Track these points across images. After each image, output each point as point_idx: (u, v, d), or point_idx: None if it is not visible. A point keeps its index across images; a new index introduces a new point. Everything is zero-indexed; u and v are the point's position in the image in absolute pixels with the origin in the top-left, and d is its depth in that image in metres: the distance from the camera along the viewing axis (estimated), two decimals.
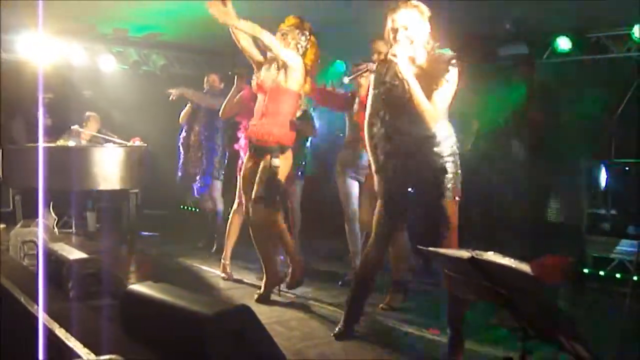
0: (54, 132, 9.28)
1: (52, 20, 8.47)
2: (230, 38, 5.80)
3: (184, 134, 8.68)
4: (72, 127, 9.13)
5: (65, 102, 10.25)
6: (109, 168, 7.92)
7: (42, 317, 4.47)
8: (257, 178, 5.67)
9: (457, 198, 4.26)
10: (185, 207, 11.05)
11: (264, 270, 5.90)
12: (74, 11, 8.48)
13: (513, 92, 9.01)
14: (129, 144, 8.37)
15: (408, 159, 4.32)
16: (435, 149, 4.23)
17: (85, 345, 3.87)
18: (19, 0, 7.16)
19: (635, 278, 6.40)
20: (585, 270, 7.10)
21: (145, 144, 8.44)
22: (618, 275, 6.85)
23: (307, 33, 5.71)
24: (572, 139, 8.58)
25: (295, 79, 5.61)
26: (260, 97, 5.78)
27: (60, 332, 4.17)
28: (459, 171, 4.29)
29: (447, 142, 4.25)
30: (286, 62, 5.52)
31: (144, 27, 9.83)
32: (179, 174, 8.69)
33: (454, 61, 4.17)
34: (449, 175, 4.22)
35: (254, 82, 5.89)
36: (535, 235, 8.27)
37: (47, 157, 7.47)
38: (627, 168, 7.33)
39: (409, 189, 4.37)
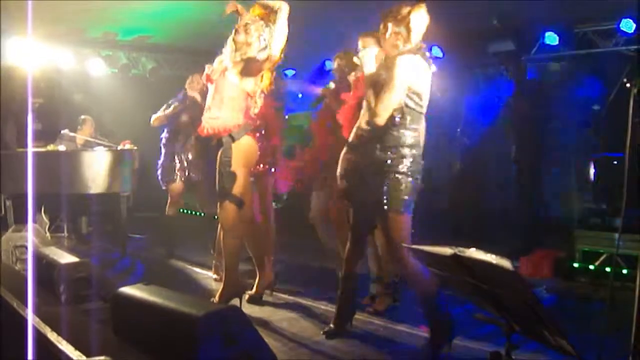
0: (44, 136, 9.28)
1: (41, 25, 8.47)
2: (219, 38, 5.74)
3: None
4: (62, 132, 9.14)
5: (55, 107, 10.27)
6: (99, 172, 7.94)
7: (32, 320, 4.49)
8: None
9: (402, 211, 4.25)
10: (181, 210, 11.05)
11: (223, 277, 5.62)
12: (63, 15, 8.50)
13: (501, 88, 9.07)
14: (119, 147, 8.38)
15: (362, 168, 4.43)
16: (388, 161, 4.27)
17: (77, 348, 3.89)
18: (9, 1, 7.15)
19: (624, 271, 6.45)
20: (575, 265, 7.13)
21: (136, 147, 8.46)
22: (608, 269, 6.88)
23: (273, 25, 5.33)
24: (560, 133, 8.65)
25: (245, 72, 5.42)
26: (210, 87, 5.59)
27: (52, 336, 4.19)
28: (411, 185, 4.28)
29: (401, 156, 4.27)
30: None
31: (133, 30, 9.84)
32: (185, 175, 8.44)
33: (406, 62, 4.20)
34: (397, 189, 4.25)
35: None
36: (525, 229, 8.33)
37: (38, 161, 7.50)
38: (615, 162, 7.36)
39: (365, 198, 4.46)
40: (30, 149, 8.04)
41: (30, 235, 6.68)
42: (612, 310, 3.86)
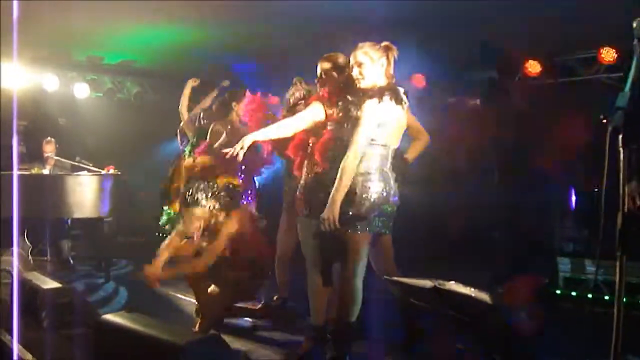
0: (28, 159, 9.28)
1: (27, 48, 8.52)
2: (203, 64, 5.79)
3: None
4: (45, 155, 9.14)
5: (39, 130, 10.25)
6: (83, 196, 7.93)
7: (16, 347, 4.49)
8: None
9: (359, 232, 4.23)
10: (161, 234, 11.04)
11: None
12: (49, 38, 8.54)
13: (484, 116, 9.14)
14: (103, 172, 8.38)
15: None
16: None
17: None
18: None
19: (606, 298, 6.50)
20: (558, 291, 7.18)
21: (119, 172, 8.46)
22: (590, 296, 6.93)
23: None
24: (543, 161, 8.71)
25: None
26: None
27: None
28: (367, 207, 4.23)
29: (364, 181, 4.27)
30: None
31: (118, 54, 9.88)
32: None
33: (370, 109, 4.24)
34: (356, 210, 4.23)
35: None
36: (508, 256, 8.36)
37: (21, 184, 7.48)
38: (596, 190, 7.43)
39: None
40: (15, 172, 8.03)
41: (15, 261, 6.66)
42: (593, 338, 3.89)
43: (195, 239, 5.34)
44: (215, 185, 5.43)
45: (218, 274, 5.36)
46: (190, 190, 5.37)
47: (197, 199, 5.33)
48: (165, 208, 7.09)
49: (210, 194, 5.37)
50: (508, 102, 9.07)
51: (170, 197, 6.89)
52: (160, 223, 7.14)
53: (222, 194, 5.42)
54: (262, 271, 5.66)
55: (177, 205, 6.57)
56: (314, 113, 4.64)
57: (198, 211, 5.32)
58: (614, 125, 2.54)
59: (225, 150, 4.62)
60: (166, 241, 5.43)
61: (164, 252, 5.34)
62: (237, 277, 5.40)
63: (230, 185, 5.56)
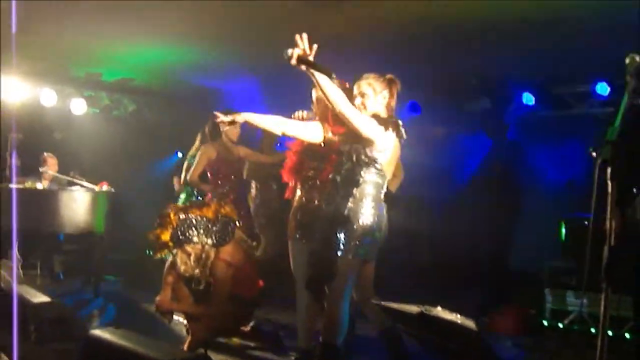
0: (22, 173, 9.28)
1: (25, 61, 8.55)
2: (201, 86, 5.82)
3: None
4: (40, 169, 9.17)
5: (34, 144, 10.26)
6: (76, 212, 7.95)
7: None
8: None
9: (350, 257, 4.22)
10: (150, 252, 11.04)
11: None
12: (48, 53, 8.58)
13: (477, 145, 9.20)
14: (96, 188, 8.41)
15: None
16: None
17: None
18: None
19: (592, 330, 6.52)
20: (544, 322, 7.20)
21: (113, 189, 8.48)
22: (576, 327, 6.94)
23: None
24: (534, 191, 8.77)
25: None
26: None
27: None
28: (360, 233, 4.24)
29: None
30: None
31: (116, 71, 9.92)
32: None
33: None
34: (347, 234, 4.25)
35: None
36: (495, 285, 8.39)
37: (15, 197, 7.50)
38: (586, 222, 7.47)
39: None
40: (15, 185, 8.08)
41: (14, 274, 6.67)
42: None
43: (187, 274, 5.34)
44: (207, 219, 5.40)
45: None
46: (182, 227, 5.33)
47: (189, 235, 5.31)
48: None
49: (202, 230, 5.35)
50: (502, 132, 9.15)
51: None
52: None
53: (214, 228, 5.39)
54: (253, 301, 5.67)
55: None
56: (314, 131, 4.63)
57: (189, 248, 5.32)
58: (603, 158, 2.58)
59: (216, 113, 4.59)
60: (165, 272, 5.44)
61: (166, 286, 5.37)
62: (227, 309, 5.42)
63: (223, 217, 5.51)
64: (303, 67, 3.77)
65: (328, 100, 4.02)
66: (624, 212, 3.84)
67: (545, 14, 6.12)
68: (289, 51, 3.71)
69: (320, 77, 3.86)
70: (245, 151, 7.19)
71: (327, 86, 3.93)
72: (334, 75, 3.82)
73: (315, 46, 3.75)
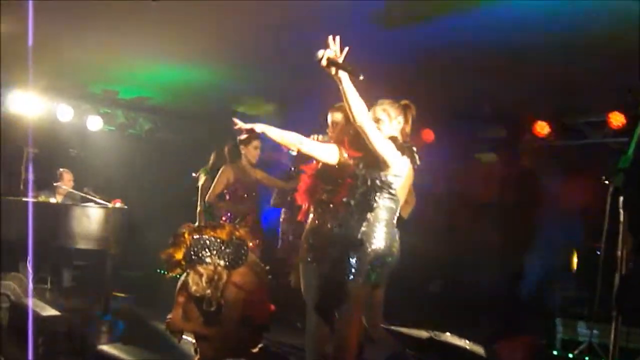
0: (37, 187, 9.34)
1: (43, 77, 8.62)
2: (217, 106, 5.83)
3: None
4: (55, 184, 9.23)
5: (49, 159, 10.32)
6: (88, 227, 7.99)
7: None
8: None
9: (361, 281, 4.19)
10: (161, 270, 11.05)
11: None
12: (66, 69, 8.66)
13: (491, 172, 9.18)
14: (110, 205, 8.44)
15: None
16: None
17: None
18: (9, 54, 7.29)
19: None
20: (555, 352, 7.15)
21: (126, 206, 8.51)
22: (587, 359, 6.90)
23: None
24: (545, 220, 8.73)
25: None
26: None
27: None
28: (372, 257, 4.23)
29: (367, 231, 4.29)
30: None
31: (133, 90, 9.99)
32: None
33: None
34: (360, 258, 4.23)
35: None
36: (506, 314, 8.34)
37: (27, 211, 7.55)
38: (598, 252, 7.43)
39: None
40: (30, 199, 8.14)
41: (29, 288, 6.69)
42: None
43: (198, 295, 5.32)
44: (220, 241, 5.39)
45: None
46: (195, 247, 5.33)
47: (202, 255, 5.30)
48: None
49: (215, 251, 5.34)
50: (515, 161, 9.13)
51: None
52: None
53: (227, 250, 5.38)
54: (263, 325, 5.65)
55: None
56: (330, 152, 4.62)
57: (202, 269, 5.30)
58: (615, 186, 2.58)
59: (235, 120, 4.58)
60: (177, 291, 5.43)
61: (177, 306, 5.36)
62: (237, 331, 5.40)
63: (237, 240, 5.49)
64: (332, 70, 3.79)
65: (350, 111, 4.00)
66: (636, 240, 3.83)
67: (560, 43, 6.13)
68: (320, 52, 3.74)
69: (347, 84, 3.87)
70: (262, 174, 7.23)
71: (352, 95, 3.93)
72: (362, 76, 3.82)
73: (346, 49, 3.78)
